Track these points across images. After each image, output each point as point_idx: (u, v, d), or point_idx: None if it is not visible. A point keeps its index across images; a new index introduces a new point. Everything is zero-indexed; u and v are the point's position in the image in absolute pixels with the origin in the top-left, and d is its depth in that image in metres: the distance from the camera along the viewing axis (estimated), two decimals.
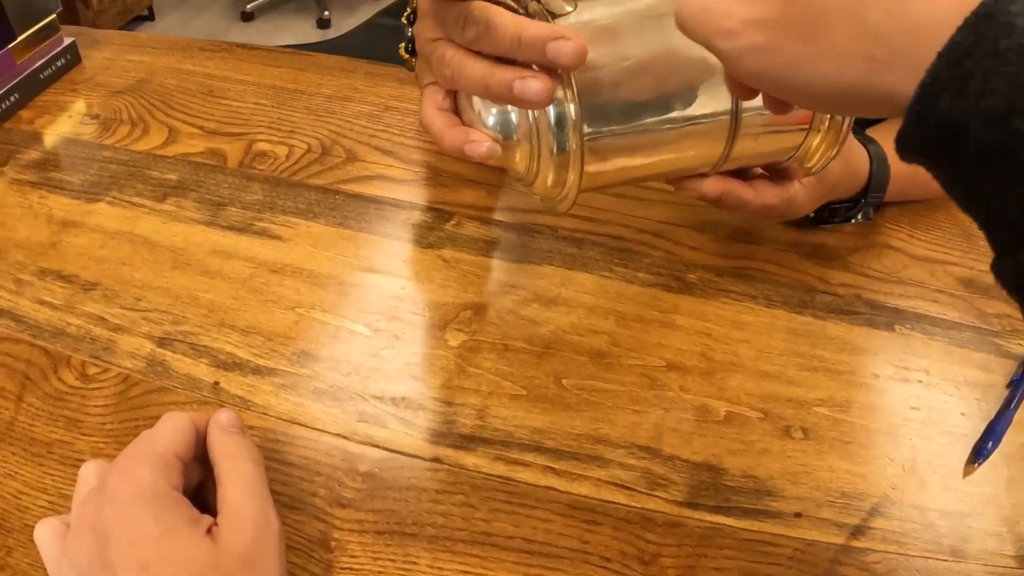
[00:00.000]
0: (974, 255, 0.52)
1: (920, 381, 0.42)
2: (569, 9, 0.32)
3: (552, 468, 0.34)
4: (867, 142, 0.47)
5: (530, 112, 0.32)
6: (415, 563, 0.31)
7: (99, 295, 0.40)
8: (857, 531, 0.35)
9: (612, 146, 0.33)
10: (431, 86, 0.35)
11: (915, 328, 0.45)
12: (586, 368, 0.38)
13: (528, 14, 0.31)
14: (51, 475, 0.34)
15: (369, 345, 0.38)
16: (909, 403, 0.41)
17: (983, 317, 0.47)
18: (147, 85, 0.52)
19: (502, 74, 0.29)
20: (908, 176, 0.51)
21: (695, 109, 0.34)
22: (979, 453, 0.39)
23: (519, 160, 0.34)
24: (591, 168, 0.33)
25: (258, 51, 0.55)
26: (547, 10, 0.31)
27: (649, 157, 0.35)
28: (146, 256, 0.41)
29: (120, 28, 2.11)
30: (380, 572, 0.30)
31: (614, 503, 0.33)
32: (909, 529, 0.35)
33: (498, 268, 0.42)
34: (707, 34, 0.23)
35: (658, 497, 0.34)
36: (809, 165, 0.39)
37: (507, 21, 0.29)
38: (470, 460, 0.34)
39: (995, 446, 0.40)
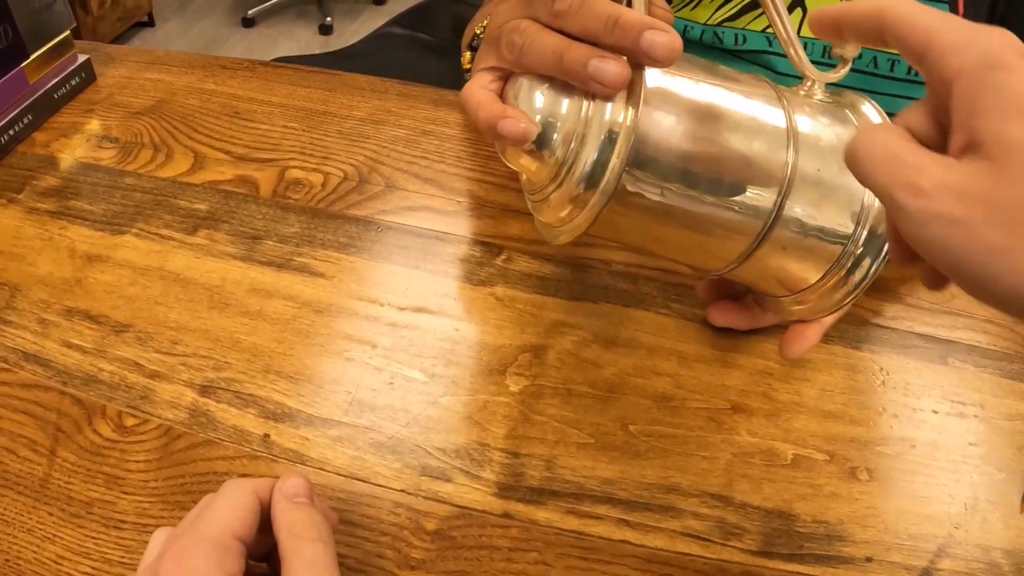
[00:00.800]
0: None
1: (976, 416, 0.41)
2: None
3: (626, 520, 0.33)
4: None
5: (579, 126, 0.29)
6: None
7: (132, 338, 0.37)
8: (925, 573, 0.34)
9: (642, 201, 0.30)
10: (483, 71, 0.32)
11: (967, 360, 0.45)
12: (651, 412, 0.37)
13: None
14: (93, 538, 0.32)
15: (427, 392, 0.36)
16: (967, 439, 0.40)
17: None
18: (167, 106, 0.49)
19: (579, 49, 0.27)
20: None
21: (737, 199, 0.31)
22: None
23: (542, 173, 0.31)
24: (610, 213, 0.30)
25: (284, 70, 0.53)
26: None
27: (671, 229, 0.32)
28: (180, 295, 0.39)
29: (120, 34, 2.07)
30: None
31: (690, 555, 0.32)
32: (974, 569, 0.35)
33: (554, 307, 0.40)
34: (889, 183, 0.21)
35: (733, 547, 0.33)
36: (793, 310, 0.37)
37: (605, 1, 0.27)
38: (542, 515, 0.32)
39: None
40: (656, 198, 0.30)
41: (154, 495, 0.33)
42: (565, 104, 0.29)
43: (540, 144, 0.29)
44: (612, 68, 0.26)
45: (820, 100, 0.34)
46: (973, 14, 0.53)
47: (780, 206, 0.31)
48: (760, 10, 0.53)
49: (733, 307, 0.41)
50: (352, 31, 2.29)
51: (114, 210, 0.43)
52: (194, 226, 0.42)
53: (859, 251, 0.33)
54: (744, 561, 0.33)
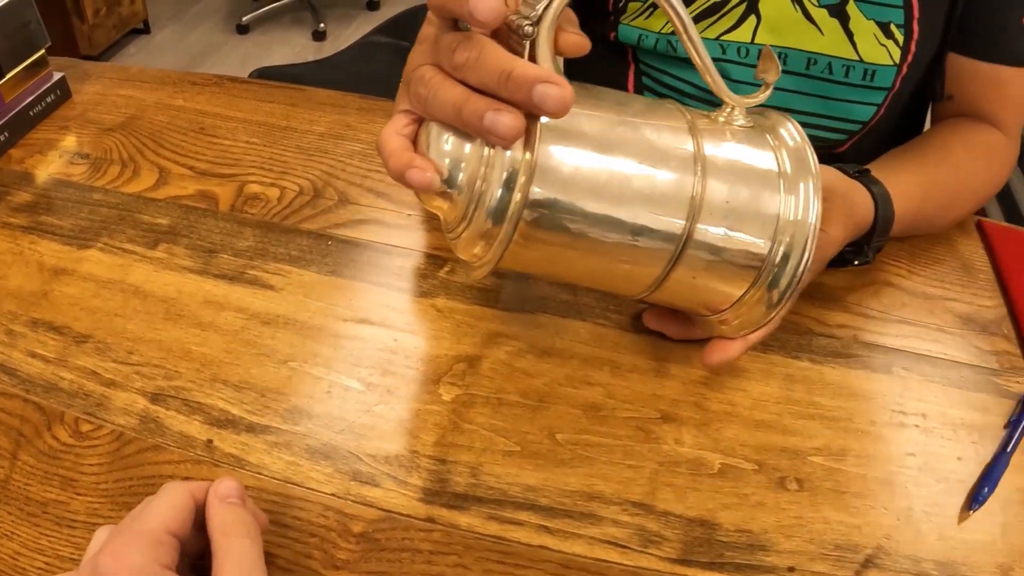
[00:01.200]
0: (974, 289, 0.52)
1: (917, 425, 0.42)
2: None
3: (546, 527, 0.34)
4: (871, 184, 0.47)
5: (482, 167, 0.30)
6: None
7: (92, 348, 0.40)
8: None
9: (547, 234, 0.31)
10: (400, 113, 0.33)
11: (912, 370, 0.45)
12: (580, 422, 0.38)
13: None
14: (47, 536, 0.34)
15: (362, 401, 0.38)
16: (906, 449, 0.40)
17: (981, 355, 0.47)
18: (137, 122, 0.52)
19: (477, 102, 0.28)
20: (915, 213, 0.51)
21: (643, 229, 0.32)
22: (975, 499, 0.39)
23: (453, 212, 0.32)
24: (518, 248, 0.31)
25: (251, 85, 0.55)
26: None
27: (580, 259, 0.33)
28: (138, 307, 0.41)
29: (116, 41, 2.10)
30: None
31: (607, 561, 0.34)
32: None
33: (492, 318, 0.42)
34: None
35: (651, 555, 0.34)
36: (719, 328, 0.38)
37: (501, 54, 0.28)
38: (464, 520, 0.34)
39: (991, 491, 0.39)
40: (561, 233, 0.31)
41: (104, 496, 0.35)
42: (468, 148, 0.30)
43: (449, 185, 0.31)
44: (506, 121, 0.28)
45: (740, 125, 0.35)
46: (930, 12, 0.53)
47: (689, 233, 0.32)
48: (714, 18, 0.54)
49: (667, 315, 0.42)
50: (346, 37, 2.31)
51: (81, 225, 0.46)
52: (155, 240, 0.45)
53: (776, 269, 0.34)
54: (662, 569, 0.34)
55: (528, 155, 0.29)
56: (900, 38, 0.54)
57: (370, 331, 0.41)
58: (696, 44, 0.33)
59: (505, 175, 0.30)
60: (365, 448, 0.36)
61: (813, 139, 0.44)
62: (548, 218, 0.31)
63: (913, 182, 0.52)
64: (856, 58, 0.53)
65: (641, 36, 0.53)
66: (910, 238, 0.55)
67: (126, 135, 0.51)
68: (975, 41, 0.54)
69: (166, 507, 0.29)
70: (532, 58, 0.29)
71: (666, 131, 0.33)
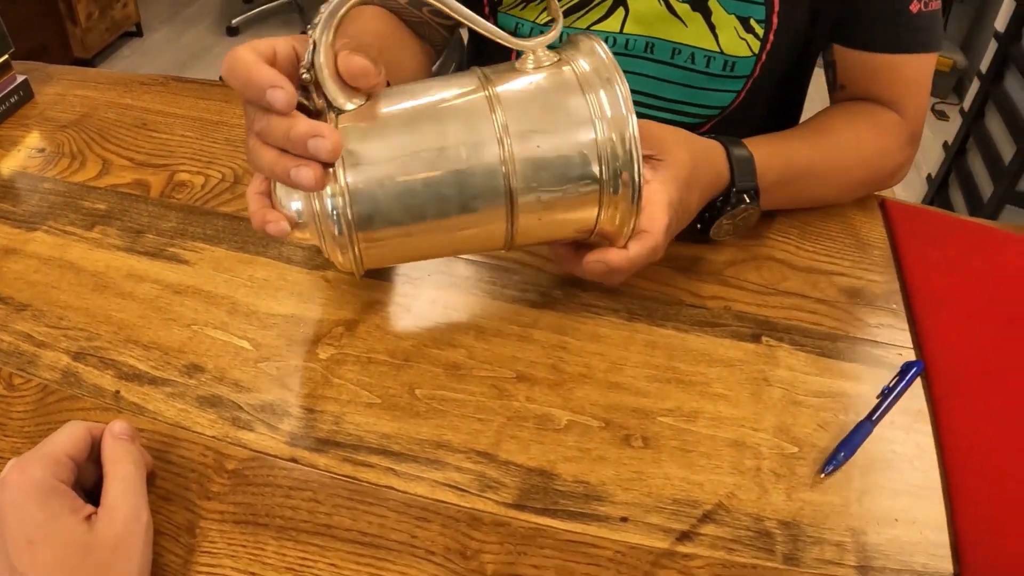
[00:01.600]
0: (866, 265, 0.54)
1: (780, 391, 0.44)
2: (350, 106, 0.35)
3: (393, 469, 0.39)
4: (723, 140, 0.49)
5: (315, 202, 0.36)
6: (263, 549, 0.36)
7: (29, 315, 0.46)
8: (684, 536, 0.37)
9: (385, 232, 0.36)
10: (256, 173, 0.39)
11: (784, 339, 0.48)
12: (439, 379, 0.43)
13: (316, 109, 0.35)
14: None
15: (250, 359, 0.43)
16: (763, 414, 0.43)
17: (863, 327, 0.49)
18: (89, 119, 0.58)
19: (284, 162, 0.33)
20: (784, 170, 0.51)
21: (468, 201, 0.36)
22: (828, 463, 0.41)
23: (311, 239, 0.38)
24: (370, 251, 0.37)
25: (191, 84, 0.61)
26: (332, 105, 0.35)
27: (427, 239, 0.37)
28: (72, 280, 0.47)
29: (109, 44, 2.17)
30: (233, 555, 0.36)
31: (446, 503, 0.38)
32: (741, 536, 0.37)
33: (374, 287, 0.47)
34: None
35: (488, 498, 0.38)
36: (613, 232, 0.40)
37: (282, 120, 0.33)
38: (322, 461, 0.39)
39: (847, 456, 0.41)
40: (396, 228, 0.37)
41: (27, 438, 0.41)
42: (300, 192, 0.36)
43: (299, 223, 0.37)
44: (305, 174, 0.33)
45: (547, 66, 0.37)
46: (790, 5, 0.55)
47: (511, 189, 0.36)
48: (584, 10, 0.56)
49: (567, 254, 0.43)
50: None
51: (31, 211, 0.52)
52: (92, 223, 0.51)
53: (616, 176, 0.37)
54: (496, 512, 0.37)
55: (340, 182, 0.35)
56: (760, 31, 0.56)
57: (264, 299, 0.46)
58: (462, 11, 0.35)
59: (329, 203, 0.35)
60: (246, 399, 0.41)
61: (672, 123, 0.47)
62: (378, 221, 0.36)
63: (776, 141, 0.53)
64: (717, 50, 0.55)
65: (518, 24, 0.57)
66: (802, 215, 0.56)
67: (77, 131, 0.58)
68: (867, 33, 0.55)
69: (66, 436, 0.35)
70: (323, 96, 0.35)
71: (459, 97, 0.37)
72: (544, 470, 0.39)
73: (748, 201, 0.49)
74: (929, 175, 1.87)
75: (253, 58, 0.33)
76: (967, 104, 1.71)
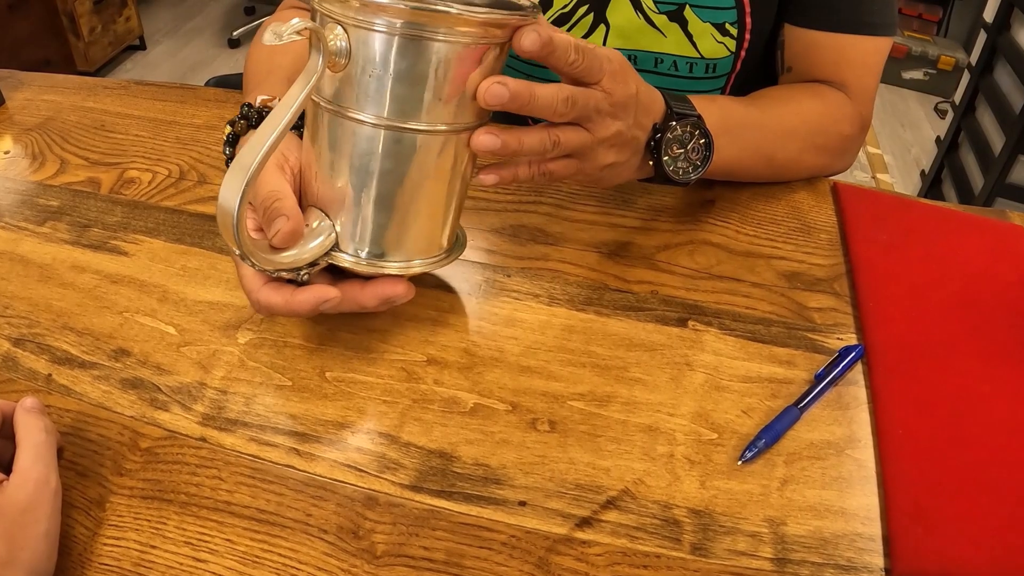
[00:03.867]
0: (809, 249, 0.54)
1: (703, 377, 0.43)
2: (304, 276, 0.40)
3: (296, 449, 0.40)
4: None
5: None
6: (165, 523, 0.37)
7: None
8: (584, 522, 0.37)
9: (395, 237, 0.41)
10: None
11: (712, 323, 0.47)
12: (351, 362, 0.44)
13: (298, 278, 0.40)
14: None
15: (173, 343, 0.45)
16: (682, 399, 0.42)
17: (801, 311, 0.49)
18: (52, 122, 0.61)
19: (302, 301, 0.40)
20: (722, 120, 0.50)
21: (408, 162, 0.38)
22: (747, 450, 0.40)
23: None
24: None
25: (150, 87, 0.64)
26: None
27: (419, 211, 0.40)
28: (20, 272, 0.50)
29: (112, 57, 2.24)
30: (138, 529, 0.37)
31: (343, 482, 0.39)
32: (646, 524, 0.37)
33: None
34: None
35: (385, 479, 0.39)
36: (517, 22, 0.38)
37: (276, 303, 0.40)
38: (229, 440, 0.40)
39: (769, 443, 0.40)
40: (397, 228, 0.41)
41: None
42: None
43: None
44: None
45: None
46: (761, 3, 0.55)
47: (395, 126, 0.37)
48: (565, 27, 0.58)
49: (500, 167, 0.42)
50: None
51: None
52: (44, 219, 0.54)
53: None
54: (392, 492, 0.38)
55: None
56: (735, 32, 0.56)
57: (194, 287, 0.48)
58: None
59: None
60: (165, 380, 0.43)
61: None
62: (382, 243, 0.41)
63: (708, 97, 0.52)
64: (698, 55, 0.57)
65: None
66: (748, 199, 0.56)
67: (40, 133, 0.61)
68: (814, 12, 0.56)
69: None
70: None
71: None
72: (445, 452, 0.40)
73: (692, 121, 0.47)
74: (923, 171, 1.84)
75: (281, 298, 0.40)
76: (958, 98, 1.68)
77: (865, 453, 0.40)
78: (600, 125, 0.41)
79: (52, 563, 0.34)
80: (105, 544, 0.36)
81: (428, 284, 0.48)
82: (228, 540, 0.36)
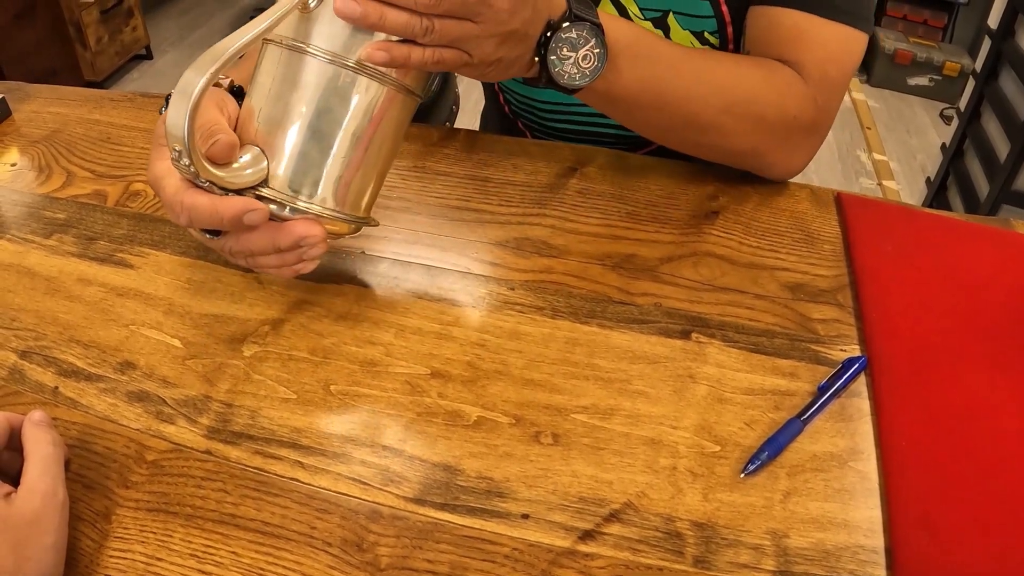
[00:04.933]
0: (813, 260, 0.54)
1: (704, 389, 0.43)
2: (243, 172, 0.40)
3: (300, 463, 0.40)
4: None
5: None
6: (171, 536, 0.38)
7: None
8: (587, 535, 0.37)
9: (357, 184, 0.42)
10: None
11: (715, 335, 0.47)
12: (355, 376, 0.44)
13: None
14: None
15: (179, 356, 0.45)
16: (685, 412, 0.42)
17: (804, 323, 0.49)
18: (59, 135, 0.62)
19: (283, 267, 0.42)
20: (637, 37, 0.48)
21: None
22: (750, 462, 0.39)
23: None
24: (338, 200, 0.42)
25: (157, 100, 0.64)
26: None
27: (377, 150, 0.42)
28: (27, 284, 0.50)
29: (119, 67, 2.25)
30: (143, 541, 0.37)
31: (347, 495, 0.39)
32: (649, 537, 0.37)
33: (303, 288, 0.49)
34: None
35: (389, 492, 0.39)
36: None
37: (202, 204, 0.39)
38: (234, 453, 0.41)
39: (772, 456, 0.40)
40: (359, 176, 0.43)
41: None
42: None
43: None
44: (309, 267, 0.42)
45: None
46: (740, 11, 0.55)
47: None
48: None
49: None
50: None
51: None
52: (51, 231, 0.54)
53: None
54: (396, 505, 0.38)
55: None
56: (715, 41, 0.56)
57: (200, 300, 0.48)
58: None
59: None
60: (171, 393, 0.43)
61: None
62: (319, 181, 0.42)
63: (628, 22, 0.49)
64: None
65: None
66: (751, 211, 0.56)
67: (47, 146, 0.61)
68: None
69: None
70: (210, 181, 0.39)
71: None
72: (448, 465, 0.40)
73: (588, 26, 0.44)
74: (928, 178, 1.83)
75: (208, 200, 0.39)
76: (963, 104, 1.68)
77: (868, 465, 0.40)
78: (492, 18, 0.40)
79: (59, 574, 0.34)
80: (111, 556, 0.37)
81: (433, 298, 0.49)
82: (233, 553, 0.37)
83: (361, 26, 0.39)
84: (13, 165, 0.60)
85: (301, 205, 0.41)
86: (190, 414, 0.42)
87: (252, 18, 0.40)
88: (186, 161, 0.37)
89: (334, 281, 0.49)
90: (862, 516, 0.38)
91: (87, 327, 0.47)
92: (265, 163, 0.40)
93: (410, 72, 0.41)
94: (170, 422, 0.42)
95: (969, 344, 0.47)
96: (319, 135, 0.40)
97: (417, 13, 0.38)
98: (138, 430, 0.42)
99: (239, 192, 0.40)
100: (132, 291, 0.49)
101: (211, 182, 0.39)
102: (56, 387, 0.44)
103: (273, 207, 0.41)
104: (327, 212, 0.41)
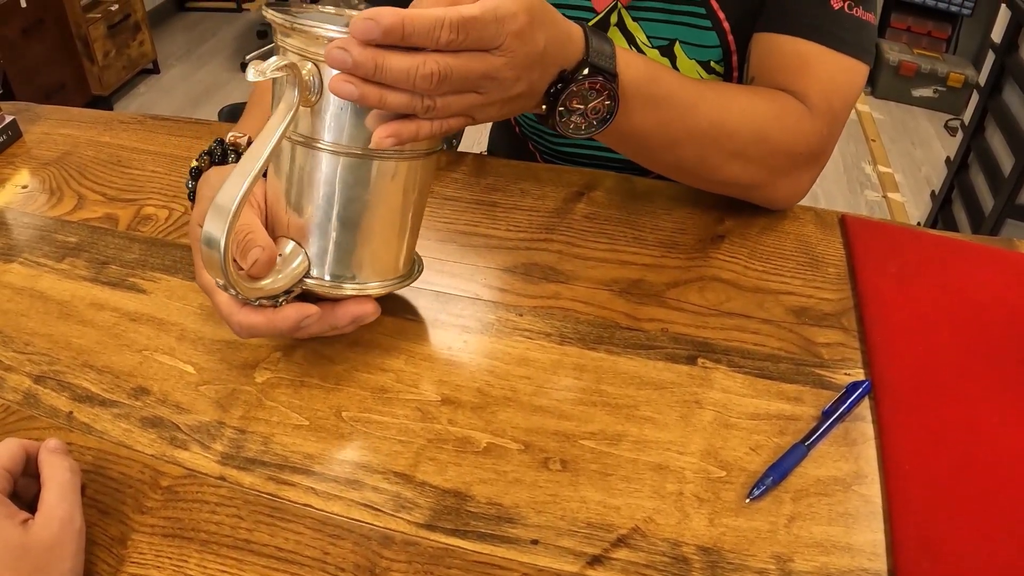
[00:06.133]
0: (818, 283, 0.54)
1: (710, 415, 0.44)
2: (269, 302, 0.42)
3: (313, 489, 0.41)
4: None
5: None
6: (186, 561, 0.38)
7: None
8: (595, 560, 0.37)
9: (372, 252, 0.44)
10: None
11: (721, 361, 0.48)
12: (366, 402, 0.45)
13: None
14: None
15: (192, 382, 0.46)
16: (691, 437, 0.43)
17: (809, 347, 0.49)
18: (69, 157, 0.63)
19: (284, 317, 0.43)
20: (649, 75, 0.47)
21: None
22: (755, 487, 0.40)
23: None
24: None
25: (166, 122, 0.65)
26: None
27: (392, 221, 0.43)
28: (40, 308, 0.51)
29: (126, 81, 2.27)
30: (159, 567, 0.38)
31: (360, 521, 0.39)
32: (655, 562, 0.37)
33: None
34: None
35: (401, 518, 0.39)
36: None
37: (258, 323, 0.42)
38: (248, 479, 0.41)
39: (777, 481, 0.41)
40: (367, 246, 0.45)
41: None
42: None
43: None
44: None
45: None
46: (745, 39, 0.56)
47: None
48: None
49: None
50: None
51: (10, 243, 0.56)
52: (63, 255, 0.55)
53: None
54: (407, 531, 0.38)
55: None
56: (721, 70, 0.57)
57: (212, 327, 0.49)
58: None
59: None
60: (184, 419, 0.44)
61: None
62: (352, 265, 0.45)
63: (650, 60, 0.48)
64: None
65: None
66: (756, 235, 0.56)
67: (58, 168, 0.62)
68: (780, 16, 0.54)
69: (1, 450, 0.38)
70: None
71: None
72: (459, 491, 0.40)
73: (602, 81, 0.43)
74: (933, 192, 1.84)
75: (263, 318, 0.42)
76: (968, 117, 1.69)
77: (872, 489, 0.41)
78: (496, 89, 0.39)
79: None
80: None
81: (443, 325, 0.49)
82: None
83: (362, 106, 0.38)
84: (24, 187, 0.61)
85: (350, 292, 0.43)
86: (204, 440, 0.43)
87: (258, 33, 0.41)
88: (233, 291, 0.40)
89: None
90: (866, 540, 0.38)
91: (101, 352, 0.48)
92: (303, 257, 0.43)
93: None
94: (184, 448, 0.43)
95: (972, 365, 0.47)
96: (350, 223, 0.42)
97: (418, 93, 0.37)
98: (152, 456, 0.42)
99: (287, 291, 0.42)
100: (145, 316, 0.50)
101: (260, 299, 0.41)
102: (70, 412, 0.45)
103: (313, 286, 0.43)
104: (375, 290, 0.44)
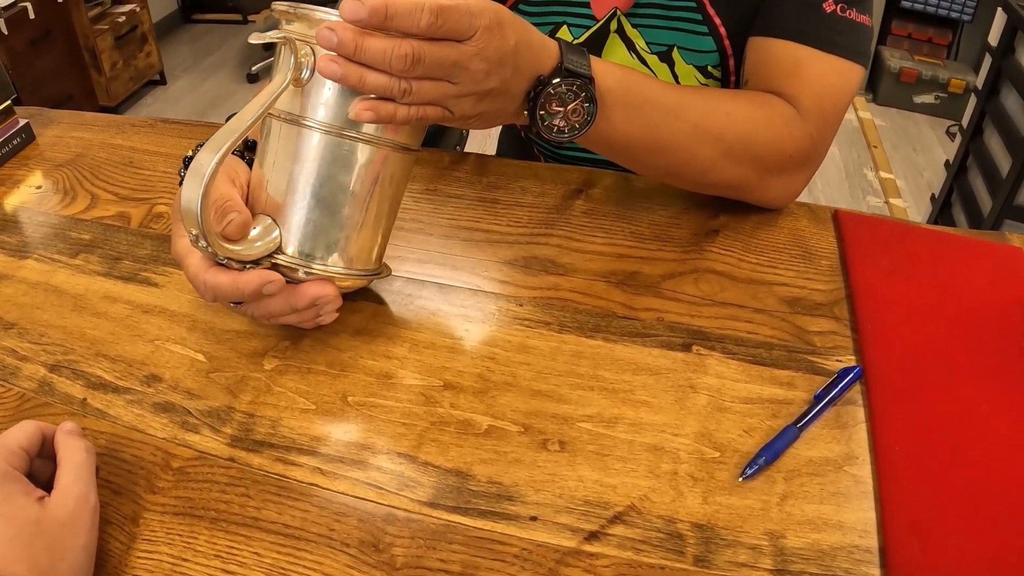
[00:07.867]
0: (810, 275, 0.56)
1: (705, 399, 0.45)
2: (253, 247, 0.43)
3: (320, 469, 0.42)
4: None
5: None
6: (196, 538, 0.39)
7: (15, 333, 0.51)
8: (592, 536, 0.38)
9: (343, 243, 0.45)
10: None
11: (715, 348, 0.49)
12: (371, 387, 0.46)
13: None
14: None
15: (203, 369, 0.47)
16: (686, 420, 0.44)
17: (801, 335, 0.51)
18: (82, 159, 0.64)
19: (303, 322, 0.46)
20: (626, 82, 0.48)
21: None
22: (747, 467, 0.41)
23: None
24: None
25: (177, 125, 0.67)
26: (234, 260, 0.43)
27: (377, 214, 0.45)
28: (55, 302, 0.53)
29: (133, 92, 2.30)
30: (170, 543, 0.39)
31: (364, 499, 0.40)
32: (651, 537, 0.38)
33: None
34: None
35: (404, 496, 0.40)
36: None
37: (223, 282, 0.42)
38: (256, 460, 0.42)
39: (769, 461, 0.42)
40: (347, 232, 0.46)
41: None
42: None
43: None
44: (327, 319, 0.47)
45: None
46: (742, 44, 0.58)
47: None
48: None
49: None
50: None
51: (25, 241, 0.58)
52: (77, 251, 0.56)
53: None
54: (410, 508, 0.40)
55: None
56: (718, 74, 0.58)
57: (222, 317, 0.50)
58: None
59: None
60: (195, 405, 0.45)
61: None
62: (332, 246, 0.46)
63: (624, 67, 0.49)
64: None
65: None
66: (750, 228, 0.58)
67: (71, 169, 0.64)
68: (774, 20, 0.55)
69: (19, 430, 0.39)
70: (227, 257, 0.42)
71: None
72: (460, 471, 0.42)
73: (578, 83, 0.45)
74: (933, 195, 1.85)
75: (228, 277, 0.42)
76: (965, 121, 1.70)
77: (863, 470, 0.42)
78: (468, 80, 0.41)
79: (90, 574, 0.36)
80: (139, 557, 0.38)
81: (445, 315, 0.51)
82: (256, 554, 0.38)
83: (344, 85, 0.40)
84: (38, 188, 0.63)
85: (315, 269, 0.44)
86: (214, 424, 0.44)
87: (264, 47, 0.44)
88: (204, 243, 0.41)
89: (350, 298, 0.51)
90: (856, 518, 0.39)
91: (114, 342, 0.49)
92: (277, 232, 0.44)
93: (402, 130, 0.44)
94: (195, 431, 0.44)
95: (960, 354, 0.48)
96: (324, 202, 0.44)
97: (395, 75, 0.40)
98: (164, 439, 0.44)
99: (255, 262, 0.43)
100: (157, 308, 0.51)
101: (229, 258, 0.42)
102: (84, 399, 0.46)
103: (288, 272, 0.44)
104: (338, 273, 0.45)
